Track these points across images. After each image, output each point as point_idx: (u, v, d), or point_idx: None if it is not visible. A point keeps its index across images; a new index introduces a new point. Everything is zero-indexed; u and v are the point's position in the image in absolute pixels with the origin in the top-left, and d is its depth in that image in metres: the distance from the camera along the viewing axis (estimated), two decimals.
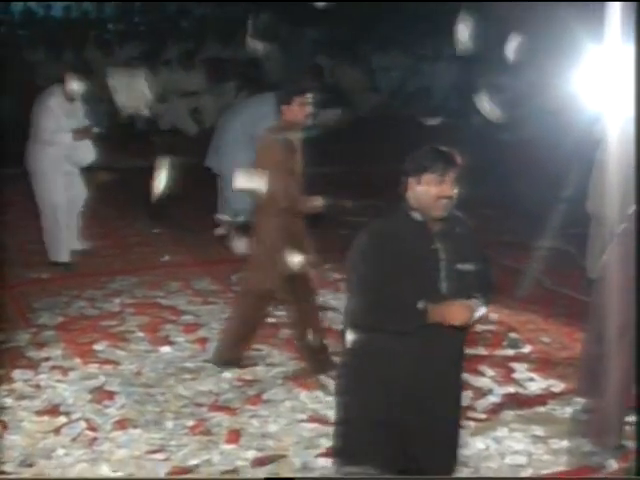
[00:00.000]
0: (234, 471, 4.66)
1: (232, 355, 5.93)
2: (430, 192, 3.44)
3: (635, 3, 5.30)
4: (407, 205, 3.52)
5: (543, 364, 6.28)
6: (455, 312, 3.40)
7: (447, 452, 3.76)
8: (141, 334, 6.44)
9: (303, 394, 5.59)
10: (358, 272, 3.50)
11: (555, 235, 9.30)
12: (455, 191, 3.48)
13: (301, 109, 5.65)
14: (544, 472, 4.82)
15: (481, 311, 3.47)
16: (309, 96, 5.70)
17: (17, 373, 5.67)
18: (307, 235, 5.82)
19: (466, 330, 3.57)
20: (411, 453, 3.64)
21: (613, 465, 4.87)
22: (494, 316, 7.08)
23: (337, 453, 3.77)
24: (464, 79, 15.08)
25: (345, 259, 3.59)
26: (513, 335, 6.73)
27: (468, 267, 3.54)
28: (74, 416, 5.17)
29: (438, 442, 3.68)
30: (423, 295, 3.41)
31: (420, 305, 3.38)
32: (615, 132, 5.90)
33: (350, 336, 3.56)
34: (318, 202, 5.76)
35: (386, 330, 3.47)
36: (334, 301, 7.38)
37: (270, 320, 6.81)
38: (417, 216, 3.50)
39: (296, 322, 5.98)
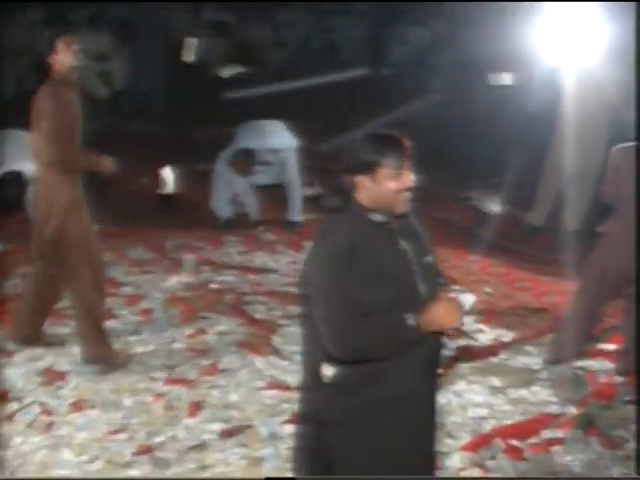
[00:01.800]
0: (202, 445, 4.56)
1: (30, 332, 5.60)
2: (389, 188, 2.97)
3: (635, 3, 5.33)
4: (360, 206, 3.02)
5: (489, 315, 6.34)
6: (446, 315, 2.92)
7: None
8: None
9: (258, 360, 5.50)
10: (329, 298, 2.91)
11: (481, 186, 9.43)
12: (414, 178, 3.01)
13: (67, 55, 5.18)
14: (506, 422, 4.85)
15: (469, 300, 3.00)
16: (72, 39, 5.21)
17: None
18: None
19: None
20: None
21: (572, 411, 4.94)
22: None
23: None
24: (371, 33, 15.07)
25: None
26: (456, 287, 6.74)
27: (431, 258, 3.13)
28: (26, 400, 4.97)
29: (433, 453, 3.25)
30: (407, 305, 2.94)
31: (410, 321, 2.89)
32: (574, 86, 6.00)
33: (328, 370, 2.99)
34: (107, 162, 5.44)
35: (380, 356, 2.96)
36: (273, 263, 7.31)
37: (213, 286, 6.71)
38: (377, 217, 3.02)
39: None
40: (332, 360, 2.97)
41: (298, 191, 8.28)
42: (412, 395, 3.07)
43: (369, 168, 2.97)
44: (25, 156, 6.93)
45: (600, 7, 5.45)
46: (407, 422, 3.07)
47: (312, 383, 3.11)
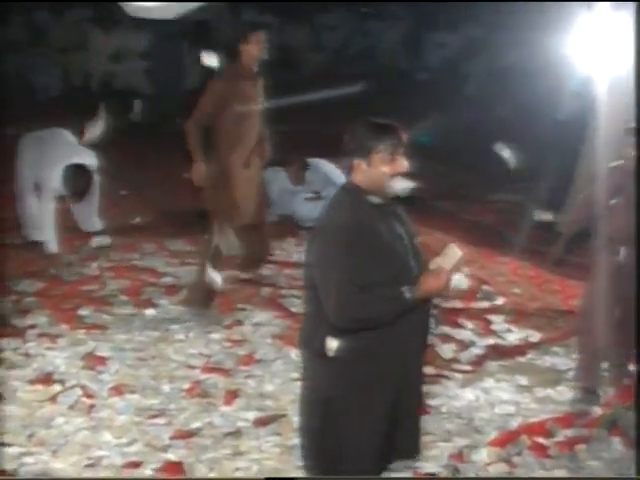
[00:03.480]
0: (237, 432, 4.71)
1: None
2: (382, 172, 3.21)
3: (635, 3, 5.41)
4: (358, 188, 3.26)
5: (518, 315, 6.48)
6: (432, 281, 3.20)
7: (419, 432, 3.66)
8: (124, 297, 6.42)
9: (293, 352, 5.62)
10: (336, 269, 3.14)
11: (508, 188, 9.50)
12: (407, 164, 3.24)
13: (257, 46, 5.83)
14: (532, 420, 4.97)
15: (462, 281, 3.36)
16: (262, 33, 5.86)
17: (4, 342, 5.57)
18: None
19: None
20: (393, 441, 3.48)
21: (597, 411, 5.05)
22: (465, 269, 7.21)
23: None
24: (409, 37, 15.15)
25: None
26: (486, 287, 6.88)
27: (418, 240, 3.40)
28: (69, 383, 5.14)
29: (416, 422, 3.60)
30: (403, 281, 3.20)
31: (407, 293, 3.15)
32: (605, 96, 6.08)
33: (333, 343, 3.24)
34: None
35: (378, 325, 3.22)
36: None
37: (249, 279, 6.86)
38: (374, 199, 3.25)
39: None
40: (335, 332, 3.22)
41: None
42: (405, 363, 3.39)
43: (366, 152, 3.22)
44: (76, 152, 7.09)
45: (633, 15, 5.53)
46: (399, 383, 3.40)
47: (314, 363, 3.37)
